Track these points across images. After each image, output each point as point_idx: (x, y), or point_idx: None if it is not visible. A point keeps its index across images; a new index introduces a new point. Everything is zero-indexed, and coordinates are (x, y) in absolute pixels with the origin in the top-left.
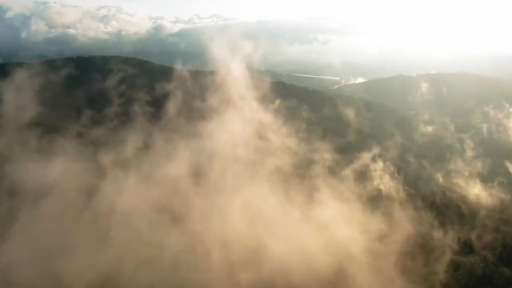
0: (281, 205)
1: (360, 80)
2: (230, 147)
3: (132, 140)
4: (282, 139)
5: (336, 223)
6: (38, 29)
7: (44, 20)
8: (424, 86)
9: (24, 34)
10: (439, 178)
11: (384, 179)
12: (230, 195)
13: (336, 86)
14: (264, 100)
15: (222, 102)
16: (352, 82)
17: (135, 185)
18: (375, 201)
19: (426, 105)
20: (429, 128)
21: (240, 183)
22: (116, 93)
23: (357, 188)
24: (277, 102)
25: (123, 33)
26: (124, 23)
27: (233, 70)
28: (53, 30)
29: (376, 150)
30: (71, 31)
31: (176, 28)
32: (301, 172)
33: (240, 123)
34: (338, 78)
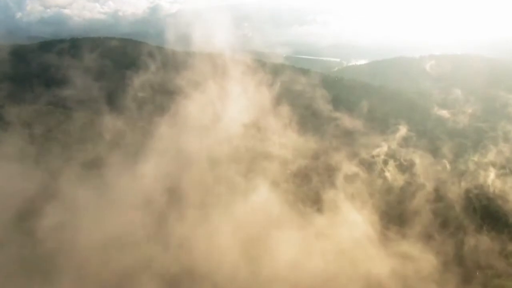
0: (286, 221)
1: (361, 61)
2: (222, 143)
3: (95, 136)
4: (283, 129)
5: (361, 244)
6: (33, 9)
7: (39, 0)
8: (429, 67)
9: (19, 15)
10: (472, 172)
11: (405, 176)
12: (219, 213)
13: (336, 68)
14: (263, 83)
15: (216, 87)
16: (353, 63)
17: (94, 204)
18: (399, 207)
19: (433, 87)
20: (445, 112)
21: (232, 194)
22: (89, 76)
23: (376, 190)
24: (278, 84)
25: (120, 13)
26: (121, 3)
27: (231, 51)
28: (48, 10)
29: (392, 138)
30: (67, 11)
31: (173, 8)
32: (307, 171)
33: (236, 111)
34: (338, 60)
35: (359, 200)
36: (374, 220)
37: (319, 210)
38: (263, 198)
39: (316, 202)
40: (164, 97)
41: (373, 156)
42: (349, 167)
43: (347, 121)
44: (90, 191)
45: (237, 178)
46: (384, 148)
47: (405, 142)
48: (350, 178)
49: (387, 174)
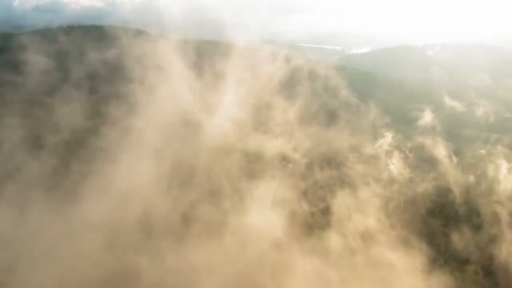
0: (294, 247)
1: (363, 50)
2: (211, 144)
3: (49, 136)
4: (286, 124)
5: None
6: None
7: None
8: (433, 56)
9: (16, 3)
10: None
11: (426, 182)
12: (206, 242)
13: (337, 57)
14: (264, 71)
15: (213, 77)
16: (354, 52)
17: (44, 236)
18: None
19: (440, 76)
20: (457, 104)
21: (222, 221)
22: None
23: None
24: (278, 74)
25: (118, 0)
26: None
27: (232, 39)
28: None
29: (402, 133)
30: None
31: None
32: (314, 181)
33: (231, 105)
34: (339, 48)
35: (382, 211)
36: (400, 238)
37: (334, 228)
38: (262, 218)
39: (329, 218)
40: (147, 88)
41: (378, 148)
42: (362, 167)
43: (353, 114)
44: (41, 216)
45: (228, 191)
46: (389, 138)
47: (427, 134)
48: (365, 182)
49: (394, 169)
